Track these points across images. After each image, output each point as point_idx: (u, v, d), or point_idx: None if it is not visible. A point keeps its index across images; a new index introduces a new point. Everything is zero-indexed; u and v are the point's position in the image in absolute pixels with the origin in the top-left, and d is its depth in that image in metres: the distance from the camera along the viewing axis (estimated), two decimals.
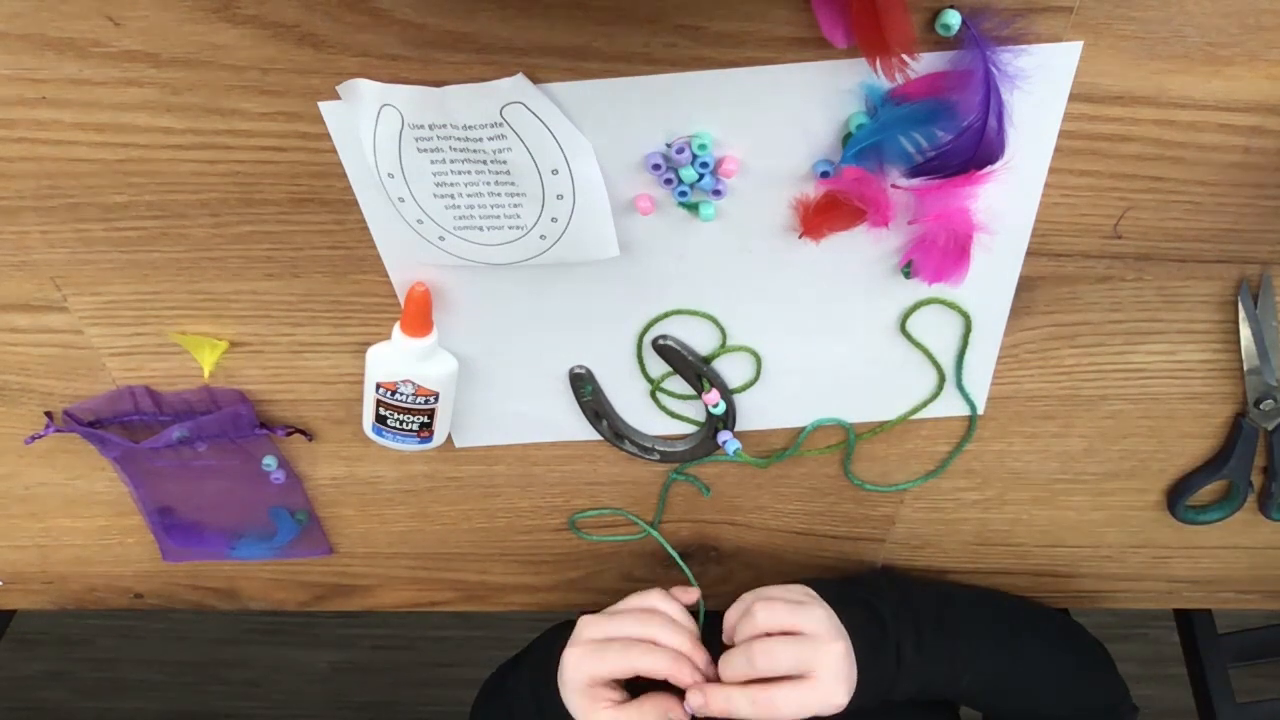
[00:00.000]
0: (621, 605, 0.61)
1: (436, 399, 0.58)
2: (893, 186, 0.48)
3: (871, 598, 0.62)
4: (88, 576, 0.79)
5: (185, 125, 0.47)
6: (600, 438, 0.63)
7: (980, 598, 0.71)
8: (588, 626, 0.59)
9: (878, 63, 0.42)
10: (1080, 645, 0.71)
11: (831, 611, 0.58)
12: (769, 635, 0.56)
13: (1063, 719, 0.68)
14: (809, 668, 0.55)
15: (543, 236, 0.50)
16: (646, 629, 0.57)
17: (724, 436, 0.62)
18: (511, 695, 0.68)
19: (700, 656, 0.58)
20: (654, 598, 0.61)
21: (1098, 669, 0.69)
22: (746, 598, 0.59)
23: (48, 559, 0.77)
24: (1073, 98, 0.45)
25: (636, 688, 0.60)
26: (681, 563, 0.70)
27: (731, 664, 0.56)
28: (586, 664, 0.56)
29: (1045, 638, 0.69)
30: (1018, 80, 0.44)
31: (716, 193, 0.48)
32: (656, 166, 0.47)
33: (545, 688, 0.60)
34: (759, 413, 0.61)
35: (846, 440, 0.63)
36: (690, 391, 0.60)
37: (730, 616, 0.59)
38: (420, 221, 0.50)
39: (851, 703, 0.56)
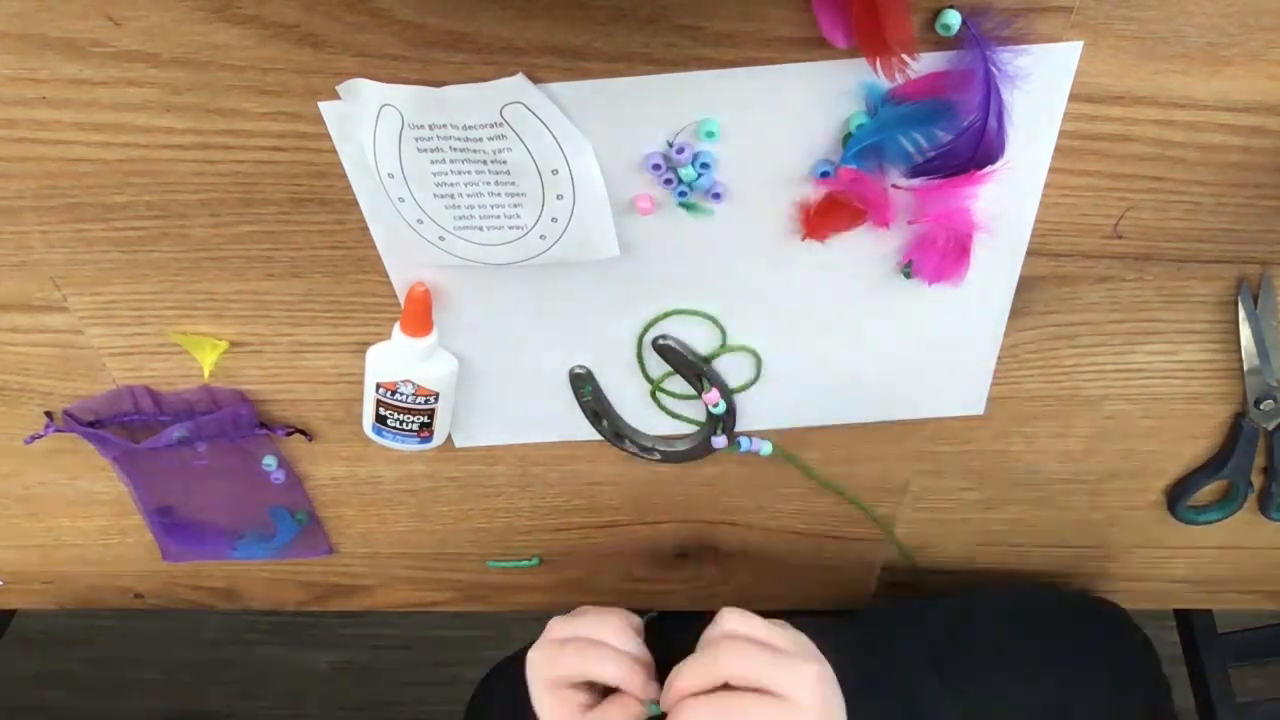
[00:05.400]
0: (585, 609, 0.59)
1: (436, 399, 0.58)
2: (893, 186, 0.48)
3: (844, 636, 0.55)
4: (88, 576, 0.79)
5: (185, 125, 0.47)
6: (600, 438, 0.63)
7: (996, 614, 0.66)
8: (553, 627, 0.57)
9: (878, 63, 0.42)
10: (1119, 648, 0.66)
11: (821, 665, 0.51)
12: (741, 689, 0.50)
13: None
14: (776, 686, 0.49)
15: (543, 236, 0.50)
16: (604, 631, 0.55)
17: (757, 444, 0.63)
18: (496, 698, 0.67)
19: (650, 673, 0.54)
20: (612, 612, 0.57)
21: (1136, 673, 0.64)
22: (727, 626, 0.52)
23: (48, 559, 0.77)
24: (1073, 98, 0.45)
25: None
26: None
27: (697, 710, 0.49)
28: (544, 665, 0.55)
29: (1077, 646, 0.64)
30: (1018, 80, 0.44)
31: (715, 195, 0.48)
32: (656, 166, 0.47)
33: (521, 692, 0.57)
34: (759, 413, 0.61)
35: None
36: (690, 391, 0.60)
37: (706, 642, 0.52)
38: (420, 221, 0.50)
39: None
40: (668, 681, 0.50)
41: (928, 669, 0.58)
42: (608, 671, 0.53)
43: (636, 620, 0.58)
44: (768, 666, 0.49)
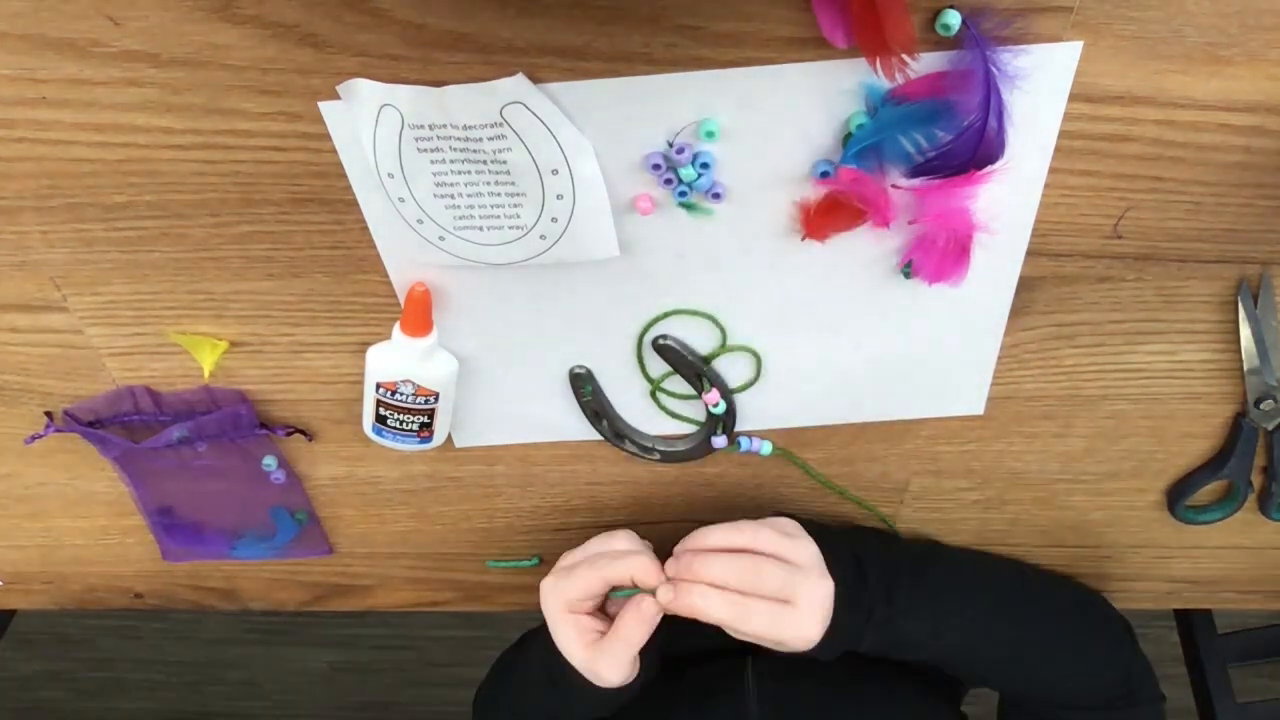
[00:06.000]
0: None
1: (436, 399, 0.58)
2: (893, 186, 0.48)
3: (855, 546, 0.61)
4: (88, 576, 0.79)
5: (185, 125, 0.47)
6: (600, 438, 0.63)
7: (977, 560, 0.70)
8: (563, 557, 0.60)
9: (878, 63, 0.42)
10: (1093, 619, 0.68)
11: (819, 551, 0.58)
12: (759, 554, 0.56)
13: (1067, 694, 0.65)
14: (792, 595, 0.55)
15: (543, 236, 0.50)
16: (612, 544, 0.58)
17: (757, 444, 0.63)
18: (522, 667, 0.69)
19: (660, 565, 0.57)
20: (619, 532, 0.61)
21: (1111, 646, 0.67)
22: (740, 524, 0.58)
23: (48, 559, 0.77)
24: (1073, 98, 0.45)
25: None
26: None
27: (713, 565, 0.55)
28: (560, 587, 0.57)
29: (1046, 606, 0.67)
30: (1018, 80, 0.44)
31: (715, 195, 0.48)
32: (656, 166, 0.47)
33: (550, 651, 0.60)
34: (759, 413, 0.61)
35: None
36: (690, 391, 0.60)
37: (716, 533, 0.57)
38: (420, 221, 0.50)
39: (815, 649, 0.56)
40: (688, 538, 0.55)
41: (895, 576, 0.61)
42: (621, 569, 0.55)
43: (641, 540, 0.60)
44: (783, 541, 0.57)
